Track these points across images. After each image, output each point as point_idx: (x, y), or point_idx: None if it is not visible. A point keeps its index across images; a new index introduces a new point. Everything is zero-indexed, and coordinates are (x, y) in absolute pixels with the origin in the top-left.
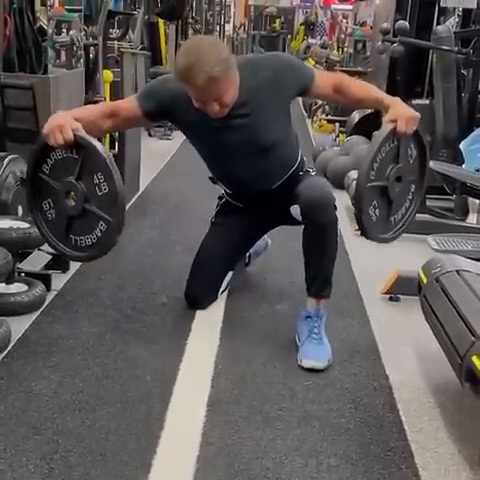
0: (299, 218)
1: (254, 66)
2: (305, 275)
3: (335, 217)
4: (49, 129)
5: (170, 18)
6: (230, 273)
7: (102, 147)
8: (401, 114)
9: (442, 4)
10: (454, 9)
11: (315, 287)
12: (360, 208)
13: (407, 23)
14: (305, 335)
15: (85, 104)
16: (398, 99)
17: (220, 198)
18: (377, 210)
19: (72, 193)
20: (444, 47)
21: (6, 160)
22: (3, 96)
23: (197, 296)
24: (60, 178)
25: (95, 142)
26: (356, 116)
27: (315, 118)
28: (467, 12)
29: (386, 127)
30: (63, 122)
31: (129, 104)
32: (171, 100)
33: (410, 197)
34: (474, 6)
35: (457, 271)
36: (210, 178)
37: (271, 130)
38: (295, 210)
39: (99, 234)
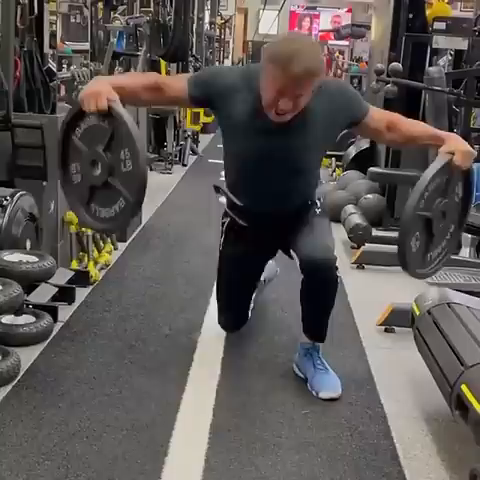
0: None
1: (321, 86)
2: (302, 316)
3: (336, 278)
4: (85, 94)
5: (172, 61)
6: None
7: (133, 123)
8: (459, 147)
9: (434, 45)
10: (446, 49)
11: (311, 333)
12: (405, 235)
13: (400, 65)
14: (311, 369)
15: None
16: (454, 134)
17: (223, 223)
18: (418, 242)
19: (98, 163)
20: (436, 88)
21: (16, 196)
22: (13, 135)
23: (234, 327)
24: (90, 144)
25: (127, 117)
26: (352, 151)
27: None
28: (459, 52)
29: (443, 158)
30: (101, 89)
31: (179, 85)
32: (226, 93)
33: (448, 237)
34: (465, 48)
35: (448, 304)
36: (215, 188)
37: (309, 156)
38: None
39: (117, 210)
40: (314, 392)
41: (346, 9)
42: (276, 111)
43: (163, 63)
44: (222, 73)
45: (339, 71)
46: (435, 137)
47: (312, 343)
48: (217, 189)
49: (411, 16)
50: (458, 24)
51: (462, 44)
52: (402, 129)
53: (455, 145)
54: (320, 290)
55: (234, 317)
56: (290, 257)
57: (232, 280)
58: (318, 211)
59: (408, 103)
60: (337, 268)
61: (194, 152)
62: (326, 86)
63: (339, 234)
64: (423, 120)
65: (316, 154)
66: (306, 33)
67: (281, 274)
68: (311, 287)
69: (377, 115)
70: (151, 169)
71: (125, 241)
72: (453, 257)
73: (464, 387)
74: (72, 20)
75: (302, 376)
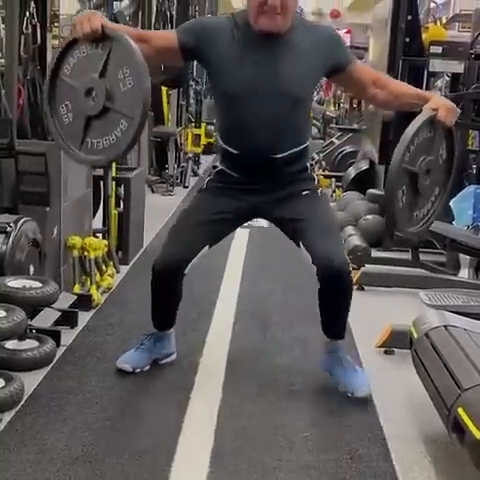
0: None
1: (307, 23)
2: (321, 319)
3: (351, 282)
4: (77, 20)
5: (172, 87)
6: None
7: (131, 39)
8: (442, 104)
9: (431, 69)
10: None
11: (330, 332)
12: (392, 186)
13: None
14: (338, 367)
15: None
16: (439, 95)
17: (214, 167)
18: (404, 197)
19: (93, 91)
20: None
21: (20, 222)
22: (17, 162)
23: (171, 260)
24: (82, 76)
25: (124, 34)
26: (352, 172)
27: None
28: (456, 74)
29: (427, 112)
30: (93, 15)
31: (166, 34)
32: (212, 31)
33: (432, 199)
34: (461, 71)
35: (445, 326)
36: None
37: (300, 83)
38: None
39: (119, 134)
40: (348, 393)
41: (345, 30)
42: (265, 12)
43: (164, 88)
44: (207, 18)
45: (339, 91)
46: (419, 95)
47: (335, 343)
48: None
49: (408, 40)
50: (454, 48)
51: (458, 67)
52: (388, 85)
53: (439, 102)
54: (337, 296)
55: (178, 255)
56: (291, 239)
57: (200, 217)
58: (319, 192)
59: (407, 123)
60: (350, 272)
61: (195, 174)
62: (314, 25)
63: None
64: None
65: (305, 82)
66: None
67: (283, 297)
68: (328, 293)
69: (362, 67)
70: (153, 191)
71: (127, 264)
72: (452, 278)
73: (460, 410)
74: None
75: (330, 375)
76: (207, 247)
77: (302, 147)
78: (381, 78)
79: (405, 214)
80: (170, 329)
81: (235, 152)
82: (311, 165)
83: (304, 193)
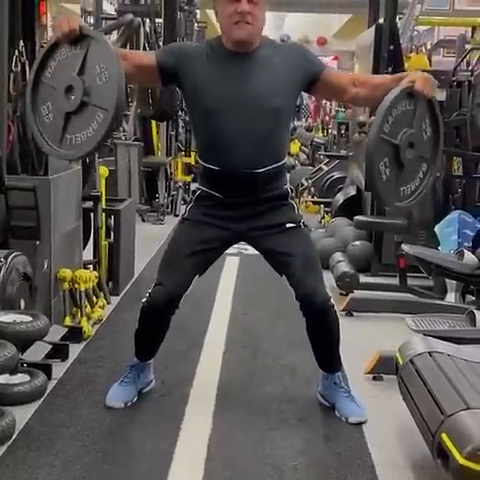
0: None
1: (275, 42)
2: (314, 355)
3: (334, 315)
4: (57, 23)
5: (161, 120)
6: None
7: (106, 37)
8: (419, 76)
9: None
10: None
11: (324, 366)
12: (371, 159)
13: None
14: (334, 392)
15: (82, 199)
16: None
17: (194, 192)
18: (387, 170)
19: (72, 89)
20: None
21: (10, 257)
22: (7, 197)
23: (165, 297)
24: (62, 77)
25: (99, 33)
26: (340, 198)
27: (302, 199)
28: (439, 101)
29: (403, 85)
30: (71, 17)
31: (146, 54)
32: (188, 53)
33: (421, 176)
34: (443, 98)
35: (429, 353)
36: (188, 169)
37: (275, 93)
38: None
39: (95, 126)
40: (343, 418)
41: (332, 57)
42: (236, 23)
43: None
44: (184, 43)
45: (327, 117)
46: (396, 77)
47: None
48: (190, 170)
49: (390, 69)
50: (436, 76)
51: (440, 95)
52: (368, 81)
53: (415, 75)
54: (324, 330)
55: (172, 291)
56: (273, 268)
57: (187, 249)
58: (302, 224)
59: None
60: (334, 305)
61: (186, 202)
62: (281, 44)
63: (328, 281)
64: None
65: (277, 94)
66: None
67: (272, 325)
68: (314, 328)
69: (338, 72)
70: (143, 220)
71: (118, 294)
72: (439, 302)
73: (444, 435)
74: None
75: (327, 404)
76: (197, 276)
77: (280, 163)
78: (360, 77)
79: (390, 188)
80: (152, 359)
81: (216, 169)
82: (292, 190)
83: (288, 226)
